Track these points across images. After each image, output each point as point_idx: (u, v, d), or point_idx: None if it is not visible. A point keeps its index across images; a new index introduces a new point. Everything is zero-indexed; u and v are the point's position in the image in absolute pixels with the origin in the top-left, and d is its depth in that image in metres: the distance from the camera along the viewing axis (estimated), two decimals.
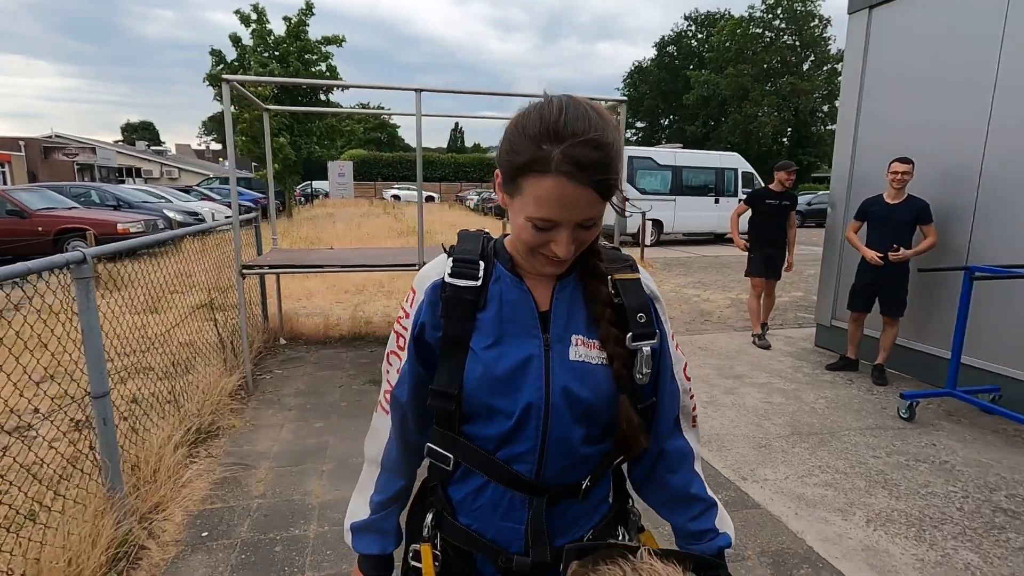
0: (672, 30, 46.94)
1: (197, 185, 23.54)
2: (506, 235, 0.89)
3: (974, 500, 2.72)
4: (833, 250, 5.14)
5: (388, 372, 0.92)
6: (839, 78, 36.43)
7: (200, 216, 13.36)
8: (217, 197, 18.50)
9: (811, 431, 3.50)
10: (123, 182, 30.10)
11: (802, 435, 3.45)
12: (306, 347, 5.09)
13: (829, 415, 3.75)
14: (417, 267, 4.07)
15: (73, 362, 2.30)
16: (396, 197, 34.60)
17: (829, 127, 38.24)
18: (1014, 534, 2.45)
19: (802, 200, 17.23)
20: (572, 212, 0.73)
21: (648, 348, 0.84)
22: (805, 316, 6.56)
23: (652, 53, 46.90)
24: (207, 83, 17.35)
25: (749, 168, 15.19)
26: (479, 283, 0.83)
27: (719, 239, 15.49)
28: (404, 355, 0.88)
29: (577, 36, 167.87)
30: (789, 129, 38.67)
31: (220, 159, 62.29)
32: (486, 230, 0.92)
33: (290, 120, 17.11)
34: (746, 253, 5.42)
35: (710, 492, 0.94)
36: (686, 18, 46.11)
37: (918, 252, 4.05)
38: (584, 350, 0.83)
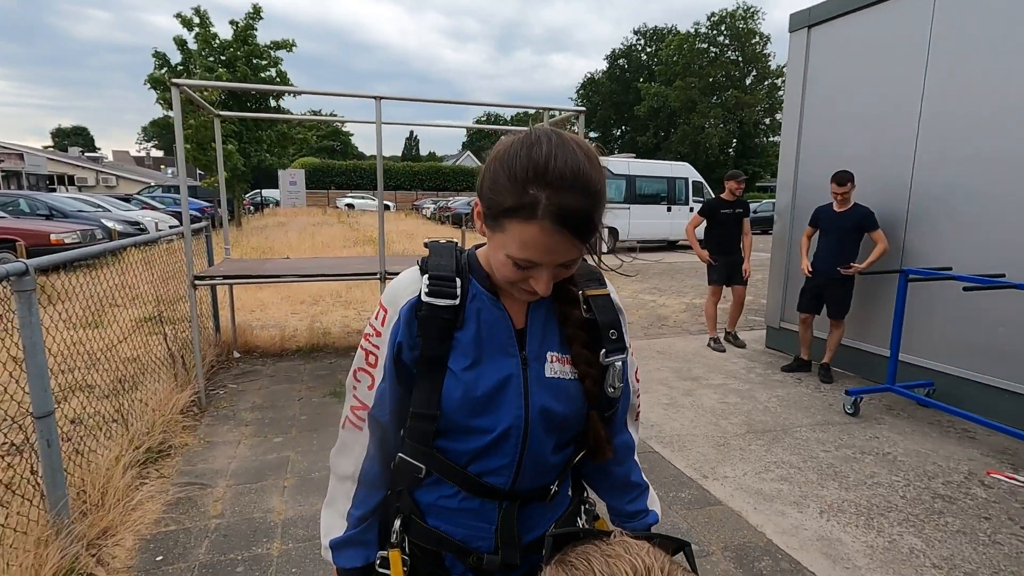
0: (622, 44, 48.46)
1: (138, 193, 22.41)
2: (478, 246, 0.89)
3: (915, 488, 2.90)
4: (781, 256, 5.39)
5: (356, 388, 0.91)
6: (779, 92, 38.41)
7: (142, 226, 12.72)
8: (160, 206, 17.67)
9: (765, 429, 3.65)
10: (54, 190, 28.36)
11: (757, 433, 3.59)
12: (262, 360, 4.92)
13: (781, 413, 3.92)
14: (379, 276, 4.02)
15: (13, 379, 2.15)
16: (350, 206, 34.04)
17: (771, 138, 40.16)
18: (951, 518, 2.63)
19: None
20: (554, 256, 0.74)
21: (620, 363, 0.88)
22: (755, 319, 6.83)
23: (604, 65, 48.13)
24: (148, 86, 16.55)
25: (699, 177, 15.76)
26: (457, 302, 0.82)
27: (672, 246, 15.96)
28: (379, 374, 0.87)
29: (531, 48, 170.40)
30: (734, 140, 40.35)
31: (162, 166, 59.63)
32: (455, 240, 0.91)
33: (239, 127, 16.59)
34: (707, 263, 5.57)
35: (644, 477, 1.04)
36: (635, 32, 47.69)
37: (871, 262, 4.23)
38: (559, 366, 0.86)
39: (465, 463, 0.85)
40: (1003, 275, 3.53)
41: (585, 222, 0.71)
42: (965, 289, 3.22)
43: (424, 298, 0.82)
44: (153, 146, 76.85)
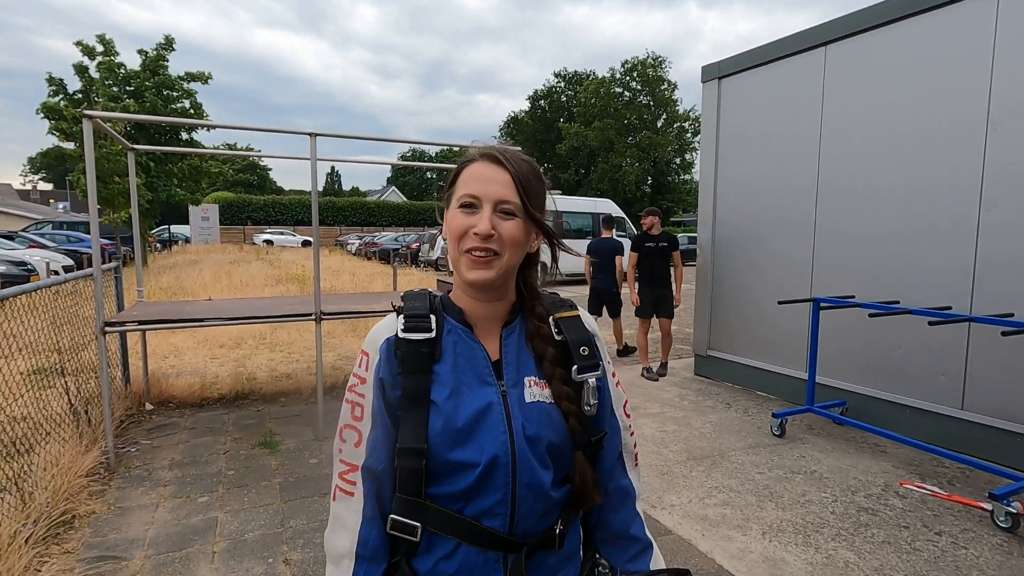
0: (544, 85, 50.46)
1: (23, 230, 20.29)
2: (450, 290, 0.93)
3: (842, 503, 3.10)
4: (705, 286, 5.71)
5: (342, 451, 0.89)
6: (687, 135, 41.45)
7: (30, 267, 11.48)
8: (51, 244, 16.06)
9: (704, 455, 3.79)
10: None
11: (696, 459, 3.72)
12: (179, 411, 4.52)
13: (716, 438, 4.09)
14: (314, 317, 3.85)
15: None
16: (268, 242, 32.71)
17: (681, 177, 43.08)
18: (876, 529, 2.83)
19: None
20: (491, 187, 0.83)
21: (593, 380, 0.88)
22: (683, 347, 7.15)
23: (527, 105, 49.83)
24: (41, 115, 15.22)
25: (621, 213, 16.54)
26: (433, 335, 0.85)
27: None
28: (366, 426, 0.87)
29: (457, 87, 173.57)
30: (649, 178, 42.85)
31: (51, 200, 54.51)
32: (428, 289, 0.95)
33: (146, 160, 15.56)
34: (634, 299, 5.92)
35: (648, 533, 0.98)
36: (556, 75, 49.87)
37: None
38: (539, 390, 0.87)
39: (460, 508, 0.81)
40: (897, 301, 3.94)
41: (517, 162, 0.85)
42: (871, 315, 3.56)
43: (401, 335, 0.85)
44: (41, 179, 70.26)
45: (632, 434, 0.99)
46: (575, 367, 0.87)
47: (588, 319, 0.95)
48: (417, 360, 0.83)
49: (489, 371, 0.86)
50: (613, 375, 0.97)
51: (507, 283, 0.89)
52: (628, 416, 0.99)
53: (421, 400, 0.82)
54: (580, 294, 13.28)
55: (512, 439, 0.82)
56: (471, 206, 0.83)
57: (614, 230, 6.98)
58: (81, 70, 15.86)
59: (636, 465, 1.00)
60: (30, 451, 3.13)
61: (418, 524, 0.82)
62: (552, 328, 0.90)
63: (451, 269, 0.89)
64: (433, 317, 0.87)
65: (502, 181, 0.83)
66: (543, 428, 0.84)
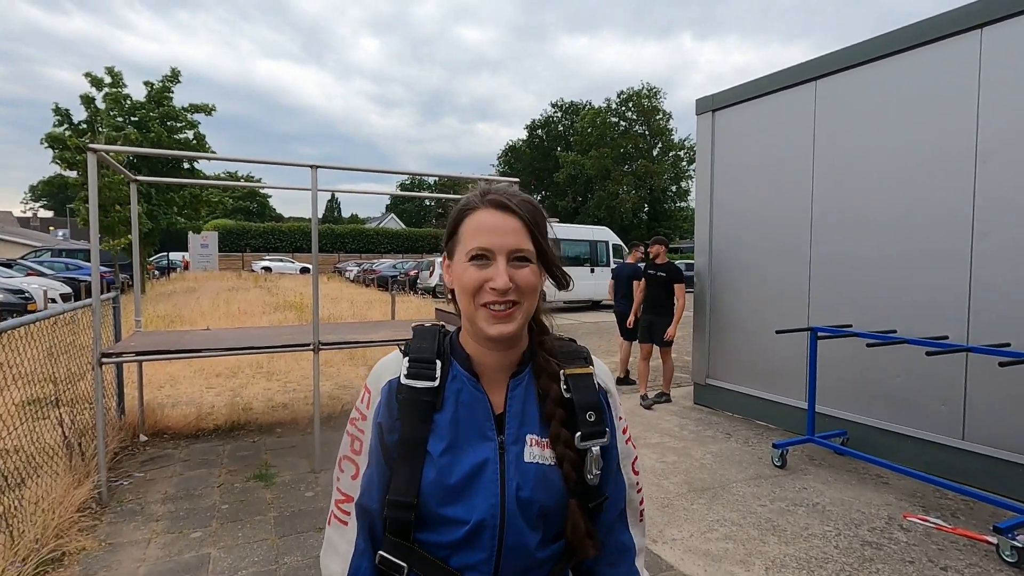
0: (542, 115, 51.27)
1: (22, 258, 20.31)
2: (459, 328, 0.90)
3: (845, 537, 3.06)
4: (702, 314, 5.72)
5: (340, 480, 0.89)
6: (683, 163, 42.05)
7: (27, 295, 11.47)
8: (49, 272, 16.07)
9: (704, 486, 3.74)
10: None
11: (698, 491, 3.67)
12: (173, 443, 4.46)
13: (717, 469, 4.04)
14: (311, 347, 3.84)
15: None
16: (267, 269, 32.84)
17: (677, 204, 43.57)
18: (881, 564, 2.78)
19: None
20: (503, 237, 0.80)
21: (597, 449, 0.83)
22: (682, 376, 7.11)
23: (524, 134, 50.63)
24: (45, 144, 15.43)
25: (618, 241, 16.69)
26: (436, 383, 0.83)
27: (596, 306, 16.53)
28: (363, 461, 0.87)
29: (457, 115, 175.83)
30: (646, 205, 43.31)
31: (51, 228, 54.79)
32: (442, 324, 0.92)
33: (147, 188, 15.71)
34: (629, 321, 6.03)
35: None
36: (553, 105, 50.73)
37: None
38: (539, 451, 0.83)
39: (445, 557, 0.81)
40: (895, 330, 3.95)
41: (524, 206, 0.82)
42: (868, 345, 3.56)
43: (403, 381, 0.83)
44: (42, 206, 70.74)
45: (639, 491, 0.96)
46: (579, 434, 0.83)
47: (602, 374, 0.91)
48: (417, 408, 0.82)
49: (490, 424, 0.83)
50: (624, 431, 0.93)
51: (523, 329, 0.86)
52: (636, 473, 0.95)
53: (417, 449, 0.81)
54: (580, 321, 13.33)
55: (503, 502, 0.80)
56: (483, 258, 0.80)
57: (639, 255, 7.15)
58: (88, 101, 16.15)
59: (640, 520, 0.96)
60: (21, 485, 3.08)
61: (405, 565, 0.82)
62: (562, 386, 0.85)
63: (458, 314, 0.86)
64: (439, 363, 0.84)
65: (512, 229, 0.80)
66: (538, 491, 0.81)
